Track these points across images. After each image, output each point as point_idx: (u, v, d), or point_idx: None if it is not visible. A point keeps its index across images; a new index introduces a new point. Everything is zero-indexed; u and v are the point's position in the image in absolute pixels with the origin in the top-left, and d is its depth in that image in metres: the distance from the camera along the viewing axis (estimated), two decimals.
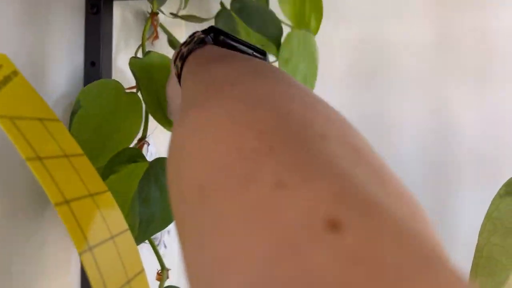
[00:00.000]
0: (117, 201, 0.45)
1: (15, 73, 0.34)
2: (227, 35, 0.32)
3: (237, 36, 0.51)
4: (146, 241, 0.48)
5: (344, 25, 0.64)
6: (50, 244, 0.47)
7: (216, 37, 0.32)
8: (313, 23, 0.59)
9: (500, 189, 0.52)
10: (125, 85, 0.50)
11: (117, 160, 0.45)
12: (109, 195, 0.39)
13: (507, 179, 0.53)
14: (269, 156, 0.15)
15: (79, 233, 0.32)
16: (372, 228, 0.12)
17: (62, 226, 0.45)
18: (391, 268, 0.11)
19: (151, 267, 0.53)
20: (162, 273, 0.47)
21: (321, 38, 0.61)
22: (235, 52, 0.31)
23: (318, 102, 0.21)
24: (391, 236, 0.12)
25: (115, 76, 0.56)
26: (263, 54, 0.33)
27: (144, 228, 0.46)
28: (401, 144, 0.65)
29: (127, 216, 0.45)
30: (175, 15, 0.60)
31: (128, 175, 0.46)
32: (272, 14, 0.55)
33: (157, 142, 0.64)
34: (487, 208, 0.49)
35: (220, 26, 0.51)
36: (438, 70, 0.63)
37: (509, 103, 0.61)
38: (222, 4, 0.57)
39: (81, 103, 0.44)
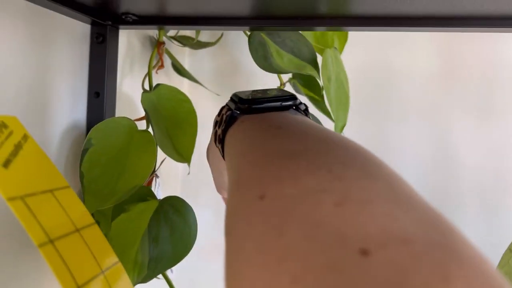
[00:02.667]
0: (126, 240, 0.44)
1: (25, 137, 0.32)
2: (251, 101, 0.31)
3: (271, 58, 0.46)
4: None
5: (350, 51, 0.64)
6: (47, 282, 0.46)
7: (241, 105, 0.31)
8: (336, 43, 0.59)
9: (511, 244, 0.52)
10: (129, 114, 0.48)
11: (127, 199, 0.44)
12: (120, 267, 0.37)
13: (507, 211, 0.54)
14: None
15: None
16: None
17: None
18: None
19: None
20: None
21: None
22: (265, 132, 0.27)
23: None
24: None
25: (118, 104, 0.55)
26: (293, 97, 0.31)
27: (153, 266, 0.45)
28: (403, 172, 0.65)
29: (136, 254, 0.44)
30: (171, 37, 0.59)
31: (138, 213, 0.44)
32: (301, 35, 0.54)
33: (164, 172, 0.62)
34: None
35: (253, 49, 0.50)
36: (441, 100, 0.64)
37: (510, 136, 0.62)
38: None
39: (93, 141, 0.43)
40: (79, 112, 0.51)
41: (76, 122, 0.51)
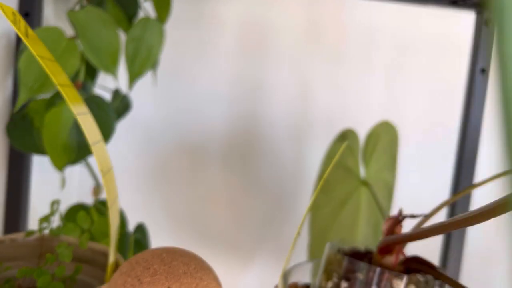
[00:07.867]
0: (58, 129, 0.57)
1: None
2: None
3: None
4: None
5: (233, 5, 0.79)
6: None
7: None
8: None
9: (336, 137, 0.75)
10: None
11: (58, 95, 0.57)
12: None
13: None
14: None
15: None
16: None
17: None
18: None
19: (87, 183, 0.65)
20: (97, 189, 0.61)
21: (214, 15, 0.77)
22: None
23: None
24: None
25: (45, 25, 0.65)
26: None
27: (82, 151, 0.59)
28: (272, 106, 0.84)
29: (67, 140, 0.58)
30: None
31: (67, 108, 0.58)
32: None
33: None
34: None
35: None
36: (305, 51, 0.82)
37: (352, 77, 0.84)
38: None
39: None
40: (7, 30, 0.61)
41: (6, 40, 0.61)
